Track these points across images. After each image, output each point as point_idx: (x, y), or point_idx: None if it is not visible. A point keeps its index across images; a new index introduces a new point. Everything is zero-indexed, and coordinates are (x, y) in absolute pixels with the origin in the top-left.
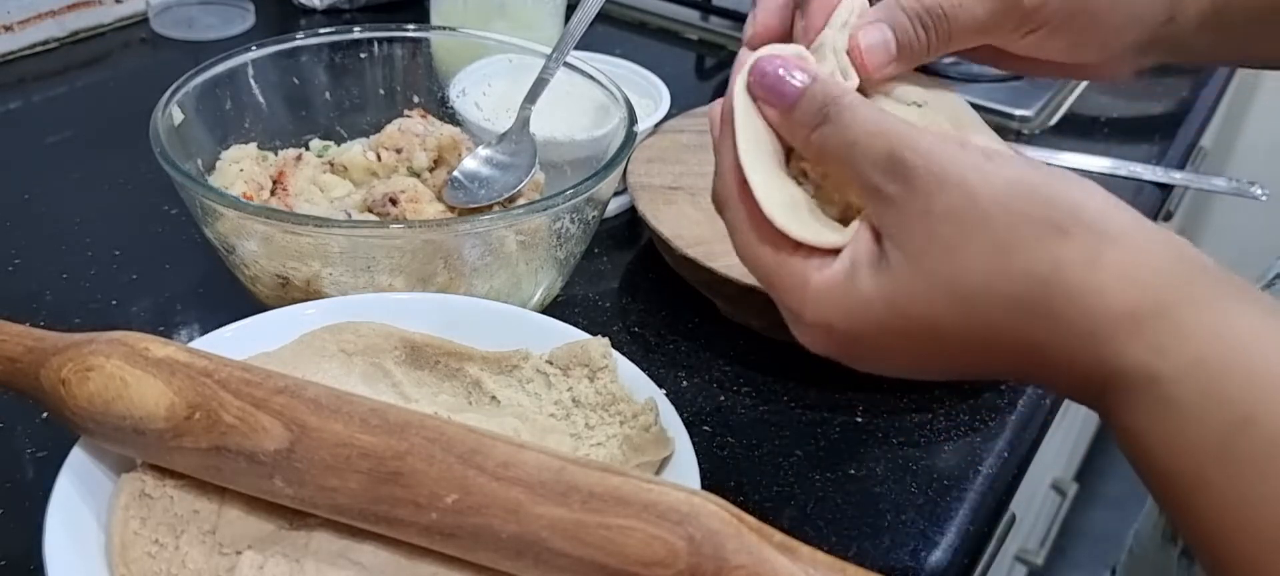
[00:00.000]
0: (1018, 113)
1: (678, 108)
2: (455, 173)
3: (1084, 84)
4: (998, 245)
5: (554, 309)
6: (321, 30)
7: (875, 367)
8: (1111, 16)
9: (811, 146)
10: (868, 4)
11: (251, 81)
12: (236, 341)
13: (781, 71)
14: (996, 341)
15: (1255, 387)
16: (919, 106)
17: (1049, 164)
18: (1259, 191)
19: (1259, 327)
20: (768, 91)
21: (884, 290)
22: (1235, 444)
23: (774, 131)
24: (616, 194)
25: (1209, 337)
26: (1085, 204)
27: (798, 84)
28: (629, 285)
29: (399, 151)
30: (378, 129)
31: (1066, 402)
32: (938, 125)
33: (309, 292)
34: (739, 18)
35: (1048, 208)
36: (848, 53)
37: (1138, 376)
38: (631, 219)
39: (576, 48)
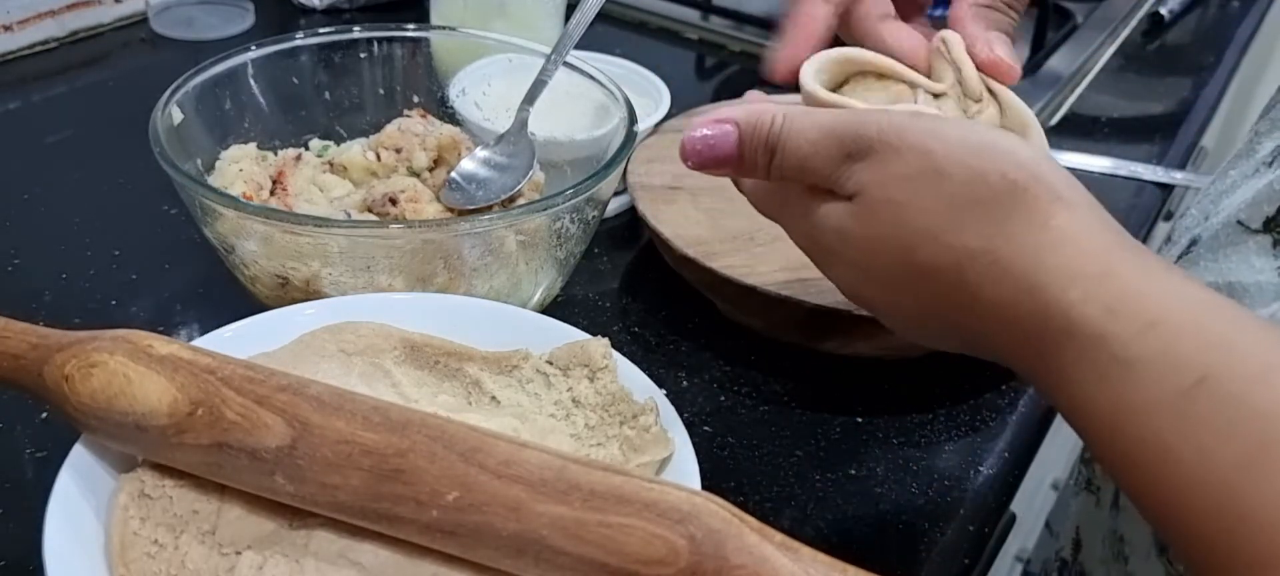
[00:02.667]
0: None
1: (678, 108)
2: (453, 174)
3: (1085, 84)
4: (953, 200)
5: (554, 309)
6: (321, 30)
7: (840, 283)
8: None
9: (773, 175)
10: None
11: (251, 81)
12: (236, 341)
13: (707, 133)
14: (938, 284)
15: (1208, 348)
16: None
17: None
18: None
19: (1204, 294)
20: (706, 158)
21: (841, 227)
22: (1191, 404)
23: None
24: (616, 194)
25: (1160, 300)
26: (1041, 167)
27: (730, 135)
28: (629, 285)
29: (399, 151)
30: (377, 129)
31: None
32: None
33: (308, 292)
34: (739, 18)
35: (1002, 163)
36: (984, 67)
37: (1087, 334)
38: (631, 219)
39: (576, 47)
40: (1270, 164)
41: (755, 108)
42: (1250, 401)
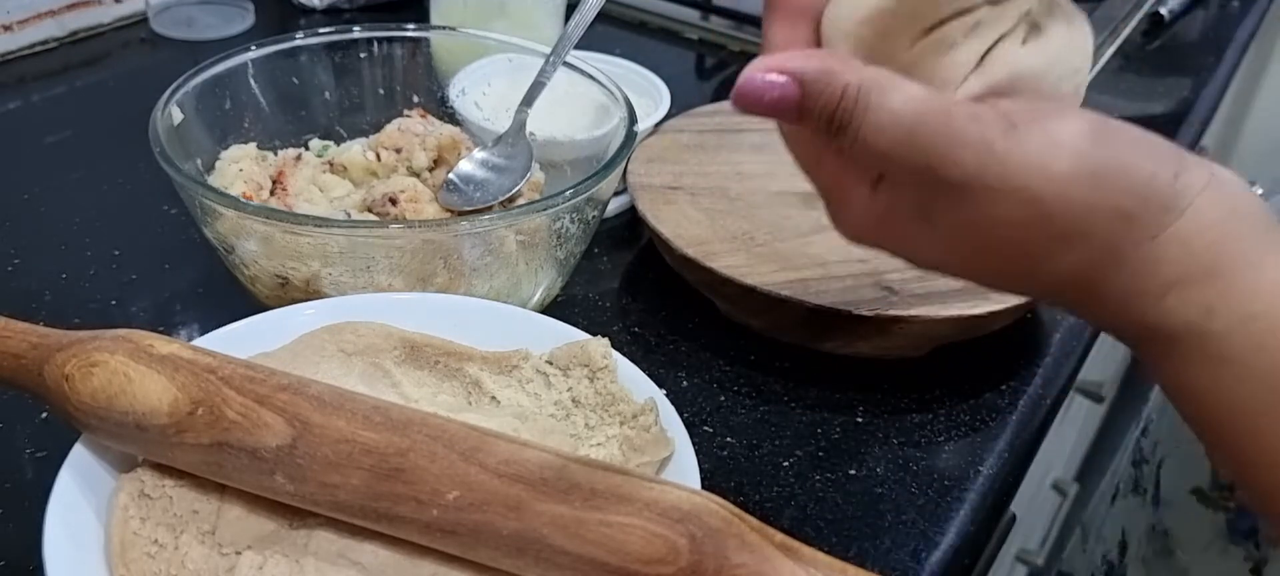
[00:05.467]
0: None
1: (678, 108)
2: (450, 176)
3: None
4: (1059, 235)
5: (554, 309)
6: (321, 30)
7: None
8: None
9: (837, 149)
10: None
11: (251, 81)
12: (236, 341)
13: (764, 80)
14: (1030, 290)
15: None
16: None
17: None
18: (1259, 191)
19: None
20: (754, 108)
21: (925, 242)
22: None
23: None
24: (616, 194)
25: (1260, 294)
26: (1155, 179)
27: (789, 95)
28: (629, 285)
29: (399, 151)
30: (377, 129)
31: (1066, 402)
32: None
33: (308, 292)
34: (739, 17)
35: (1116, 194)
36: None
37: (1186, 334)
38: (631, 219)
39: (576, 47)
40: None
41: (826, 66)
42: None
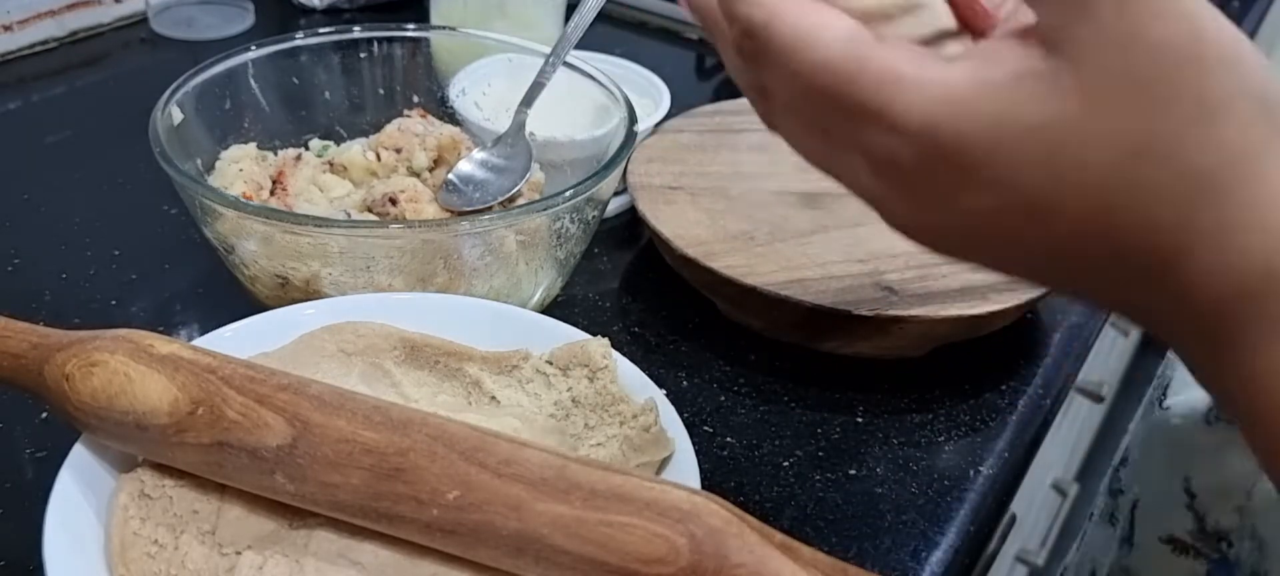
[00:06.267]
0: None
1: (678, 108)
2: (450, 176)
3: None
4: (1206, 104)
5: (554, 309)
6: (321, 30)
7: (941, 218)
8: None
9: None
10: None
11: (251, 81)
12: (236, 341)
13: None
14: (1132, 229)
15: None
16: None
17: None
18: None
19: None
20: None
21: (1033, 113)
22: None
23: None
24: (616, 194)
25: None
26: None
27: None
28: (629, 285)
29: (399, 151)
30: (377, 129)
31: (1066, 402)
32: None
33: (308, 292)
34: None
35: (1266, 80)
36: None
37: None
38: (631, 219)
39: (576, 47)
40: None
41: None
42: None
